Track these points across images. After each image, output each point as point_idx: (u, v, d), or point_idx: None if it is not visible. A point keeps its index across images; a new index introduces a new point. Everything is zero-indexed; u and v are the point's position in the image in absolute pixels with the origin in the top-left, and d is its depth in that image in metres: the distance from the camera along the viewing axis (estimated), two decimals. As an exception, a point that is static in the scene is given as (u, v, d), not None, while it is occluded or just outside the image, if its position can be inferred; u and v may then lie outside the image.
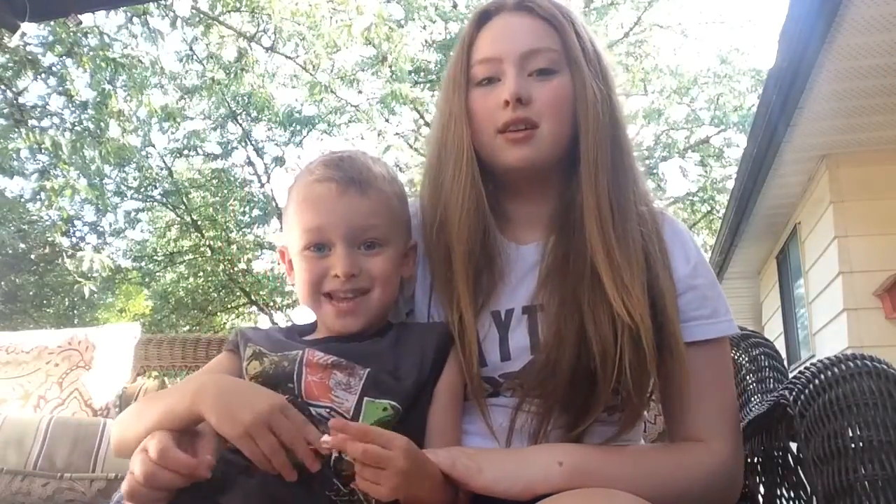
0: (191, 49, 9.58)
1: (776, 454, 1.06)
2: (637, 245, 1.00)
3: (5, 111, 7.49)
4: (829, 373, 0.89)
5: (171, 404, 0.87)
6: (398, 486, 0.78)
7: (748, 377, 1.35)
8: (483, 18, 1.07)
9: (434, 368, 0.96)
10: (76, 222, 10.98)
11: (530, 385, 0.99)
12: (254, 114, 10.54)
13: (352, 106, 10.42)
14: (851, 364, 0.88)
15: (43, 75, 7.89)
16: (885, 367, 0.87)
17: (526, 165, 1.01)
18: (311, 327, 1.05)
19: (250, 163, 11.39)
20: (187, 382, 0.91)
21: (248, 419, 0.80)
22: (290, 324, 1.12)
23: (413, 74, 10.14)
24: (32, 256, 11.55)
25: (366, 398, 0.88)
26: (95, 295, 10.18)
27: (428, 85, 10.48)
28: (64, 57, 7.69)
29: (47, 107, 8.60)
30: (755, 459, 1.14)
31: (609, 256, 0.97)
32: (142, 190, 11.59)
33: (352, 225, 0.96)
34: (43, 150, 7.59)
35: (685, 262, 1.05)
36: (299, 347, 0.94)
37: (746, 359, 1.38)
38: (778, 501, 1.05)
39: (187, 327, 11.97)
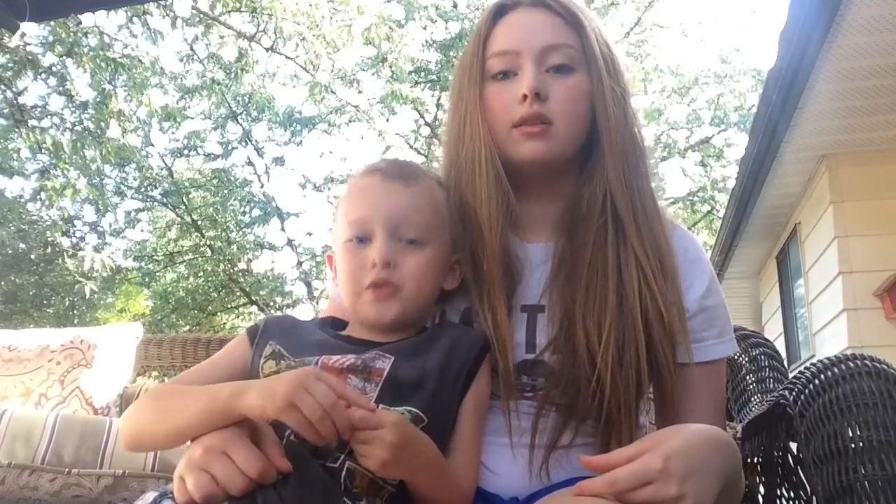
0: (191, 49, 9.56)
1: (776, 454, 1.06)
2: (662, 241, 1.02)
3: (5, 111, 7.47)
4: (829, 373, 0.90)
5: (206, 402, 0.83)
6: (386, 460, 0.78)
7: (748, 377, 1.35)
8: (499, 12, 1.06)
9: (464, 374, 0.95)
10: (76, 222, 10.96)
11: (548, 390, 0.99)
12: (254, 114, 10.54)
13: (352, 106, 10.41)
14: (851, 364, 0.88)
15: (43, 75, 7.85)
16: (885, 367, 0.87)
17: (539, 159, 1.00)
18: (346, 324, 1.03)
19: (250, 163, 11.39)
20: (219, 386, 0.87)
21: (287, 388, 0.77)
22: (323, 317, 1.09)
23: (413, 74, 10.12)
24: (32, 256, 11.55)
25: (381, 406, 0.86)
26: (95, 295, 10.16)
27: (428, 85, 10.47)
28: (64, 57, 7.66)
29: (47, 107, 8.57)
30: (755, 459, 1.14)
31: (640, 238, 1.00)
32: (142, 190, 11.57)
33: (393, 214, 0.96)
34: (43, 150, 7.56)
35: (700, 279, 1.05)
36: (319, 353, 0.92)
37: (746, 359, 1.38)
38: (778, 501, 1.05)
39: (187, 327, 11.94)
